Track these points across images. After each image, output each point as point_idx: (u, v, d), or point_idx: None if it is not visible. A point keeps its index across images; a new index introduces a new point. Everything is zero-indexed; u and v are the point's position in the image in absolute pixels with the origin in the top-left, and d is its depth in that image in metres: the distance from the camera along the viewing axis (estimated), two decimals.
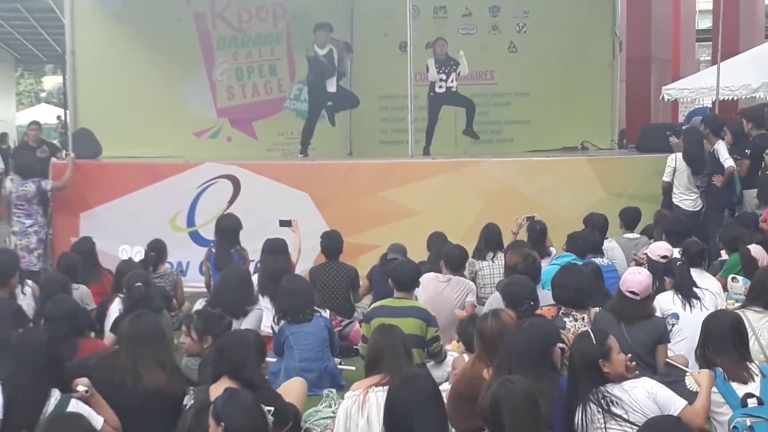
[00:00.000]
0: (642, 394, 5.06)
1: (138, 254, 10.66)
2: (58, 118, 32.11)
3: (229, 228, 10.01)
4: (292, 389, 6.58)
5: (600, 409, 5.00)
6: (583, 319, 6.86)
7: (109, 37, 14.38)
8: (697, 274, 7.72)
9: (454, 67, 13.32)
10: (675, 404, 5.08)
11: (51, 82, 45.94)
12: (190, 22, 15.02)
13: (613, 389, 5.07)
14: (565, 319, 6.84)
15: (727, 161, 11.06)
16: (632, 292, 6.72)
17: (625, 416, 4.95)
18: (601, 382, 5.10)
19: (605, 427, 4.96)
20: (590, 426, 5.01)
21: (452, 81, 13.36)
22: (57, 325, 6.57)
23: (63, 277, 8.17)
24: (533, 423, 4.47)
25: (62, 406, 5.16)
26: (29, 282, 8.49)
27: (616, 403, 5.00)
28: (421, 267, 8.51)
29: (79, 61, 13.96)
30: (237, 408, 4.49)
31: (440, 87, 13.35)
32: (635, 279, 6.78)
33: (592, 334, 5.25)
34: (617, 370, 5.22)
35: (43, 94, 46.65)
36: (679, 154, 11.33)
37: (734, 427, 5.11)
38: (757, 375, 5.38)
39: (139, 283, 7.60)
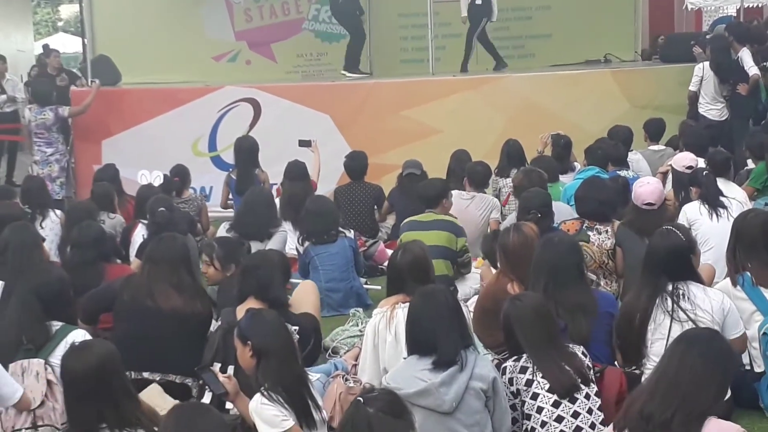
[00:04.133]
0: (719, 297, 5.09)
1: (157, 179, 10.66)
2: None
3: (248, 148, 10.00)
4: (305, 296, 6.47)
5: (667, 306, 4.98)
6: (606, 231, 6.84)
7: None
8: (723, 184, 7.64)
9: None
10: (738, 327, 5.10)
11: (68, 10, 45.59)
12: None
13: (690, 285, 5.07)
14: (589, 233, 6.82)
15: (752, 69, 10.89)
16: (648, 204, 6.69)
17: (690, 311, 4.95)
18: (683, 278, 5.08)
19: (670, 329, 4.92)
20: (655, 328, 5.00)
21: None
22: (83, 251, 6.63)
23: (88, 204, 8.19)
24: (547, 335, 4.61)
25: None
26: (57, 211, 8.49)
27: (687, 297, 5.00)
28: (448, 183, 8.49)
29: None
30: (261, 326, 4.49)
31: None
32: (647, 190, 6.77)
33: (678, 231, 5.25)
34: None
35: (60, 23, 46.37)
36: (707, 63, 11.14)
37: (764, 333, 5.08)
38: None
39: (162, 208, 7.59)
